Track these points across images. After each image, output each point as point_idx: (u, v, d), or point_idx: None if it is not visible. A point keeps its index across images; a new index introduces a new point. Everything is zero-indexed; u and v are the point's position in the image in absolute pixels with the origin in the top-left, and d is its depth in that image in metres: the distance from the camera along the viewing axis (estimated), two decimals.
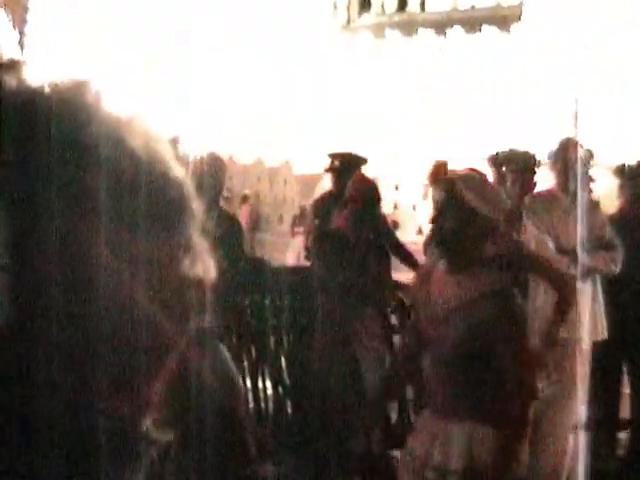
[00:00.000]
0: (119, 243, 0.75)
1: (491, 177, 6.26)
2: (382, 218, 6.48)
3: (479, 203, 3.39)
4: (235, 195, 18.30)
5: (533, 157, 6.04)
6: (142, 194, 0.76)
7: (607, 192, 7.11)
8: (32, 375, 0.72)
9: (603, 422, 6.16)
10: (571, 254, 5.60)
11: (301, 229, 15.51)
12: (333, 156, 7.10)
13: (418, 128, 18.72)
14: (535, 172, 6.01)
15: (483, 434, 3.34)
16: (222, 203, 6.80)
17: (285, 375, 6.59)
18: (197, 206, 0.81)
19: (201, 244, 0.81)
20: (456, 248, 3.42)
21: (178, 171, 0.80)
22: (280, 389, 6.55)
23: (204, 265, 0.80)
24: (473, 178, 3.59)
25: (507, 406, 3.32)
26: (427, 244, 5.86)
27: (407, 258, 6.66)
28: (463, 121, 18.07)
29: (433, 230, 3.53)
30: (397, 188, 19.30)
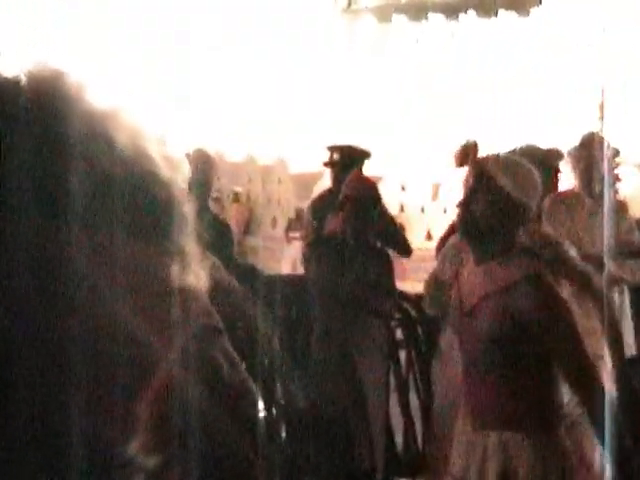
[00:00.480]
0: (99, 247, 0.74)
1: None
2: (385, 218, 6.46)
3: (513, 187, 3.39)
4: (225, 196, 18.28)
5: (556, 153, 6.02)
6: (127, 194, 0.76)
7: (635, 193, 7.11)
8: (3, 393, 0.72)
9: (632, 446, 6.15)
10: (596, 262, 5.59)
11: (297, 234, 15.47)
12: (333, 149, 7.08)
13: (424, 124, 18.75)
14: (559, 170, 5.99)
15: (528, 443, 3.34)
16: (211, 204, 6.79)
17: (279, 395, 6.57)
18: (188, 209, 0.81)
19: (192, 250, 0.80)
20: (485, 235, 3.43)
21: (167, 170, 0.80)
22: (273, 411, 6.53)
23: (195, 273, 0.80)
24: (508, 159, 3.61)
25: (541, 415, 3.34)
26: (439, 248, 5.85)
27: (404, 252, 6.73)
28: (475, 117, 18.09)
29: (460, 215, 3.53)
30: (403, 188, 19.27)
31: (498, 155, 3.70)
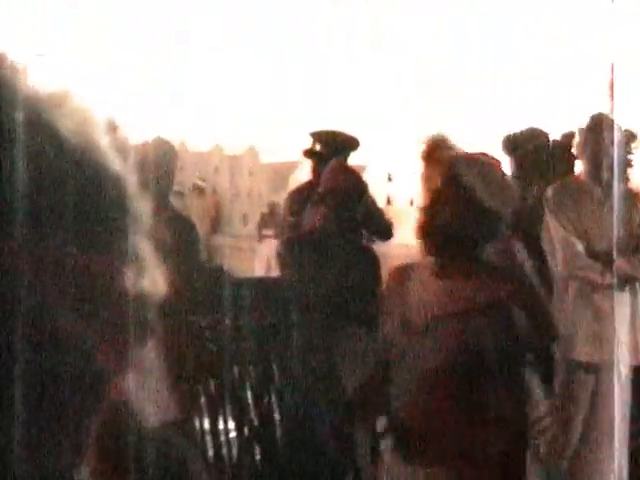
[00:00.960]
0: (41, 252, 0.74)
1: (507, 165, 6.27)
2: (370, 209, 6.45)
3: (484, 193, 3.33)
4: (188, 190, 18.29)
5: (570, 134, 6.02)
6: (72, 190, 0.76)
7: None
8: None
9: None
10: (605, 258, 5.60)
11: (271, 231, 15.46)
12: (315, 136, 7.00)
13: (408, 104, 18.85)
14: (572, 155, 5.97)
15: None
16: (172, 200, 6.77)
17: (252, 413, 6.58)
18: (143, 206, 0.80)
19: (148, 253, 0.80)
20: (449, 245, 3.36)
21: (118, 163, 0.79)
22: (246, 430, 6.53)
23: (151, 279, 0.80)
24: (479, 161, 3.51)
25: (496, 449, 3.28)
26: None
27: (384, 236, 6.73)
28: (468, 99, 18.26)
29: (423, 221, 3.45)
30: (390, 179, 19.31)
31: (470, 155, 3.59)
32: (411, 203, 19.02)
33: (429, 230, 3.41)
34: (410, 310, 3.43)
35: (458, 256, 3.36)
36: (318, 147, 6.89)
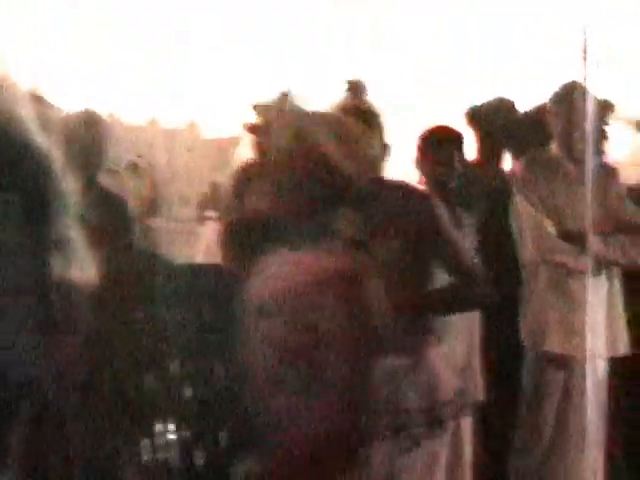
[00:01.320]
0: None
1: (472, 139, 6.29)
2: None
3: (333, 151, 3.27)
4: (122, 168, 18.16)
5: (544, 107, 6.02)
6: None
7: (628, 155, 7.17)
8: None
9: (627, 467, 6.24)
10: (579, 240, 5.62)
11: (213, 213, 15.37)
12: (258, 109, 6.96)
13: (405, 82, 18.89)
14: (545, 128, 5.98)
15: None
16: (104, 178, 6.74)
17: (193, 413, 6.57)
18: (70, 184, 0.81)
19: (76, 236, 0.80)
20: (302, 213, 3.34)
21: (43, 138, 0.80)
22: (187, 433, 6.53)
23: (80, 264, 0.80)
24: (332, 118, 3.50)
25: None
26: None
27: None
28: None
29: (272, 185, 3.43)
30: None
31: (319, 112, 3.55)
32: None
33: (276, 197, 3.39)
34: (258, 288, 3.43)
35: (310, 225, 3.34)
36: (260, 121, 6.84)
